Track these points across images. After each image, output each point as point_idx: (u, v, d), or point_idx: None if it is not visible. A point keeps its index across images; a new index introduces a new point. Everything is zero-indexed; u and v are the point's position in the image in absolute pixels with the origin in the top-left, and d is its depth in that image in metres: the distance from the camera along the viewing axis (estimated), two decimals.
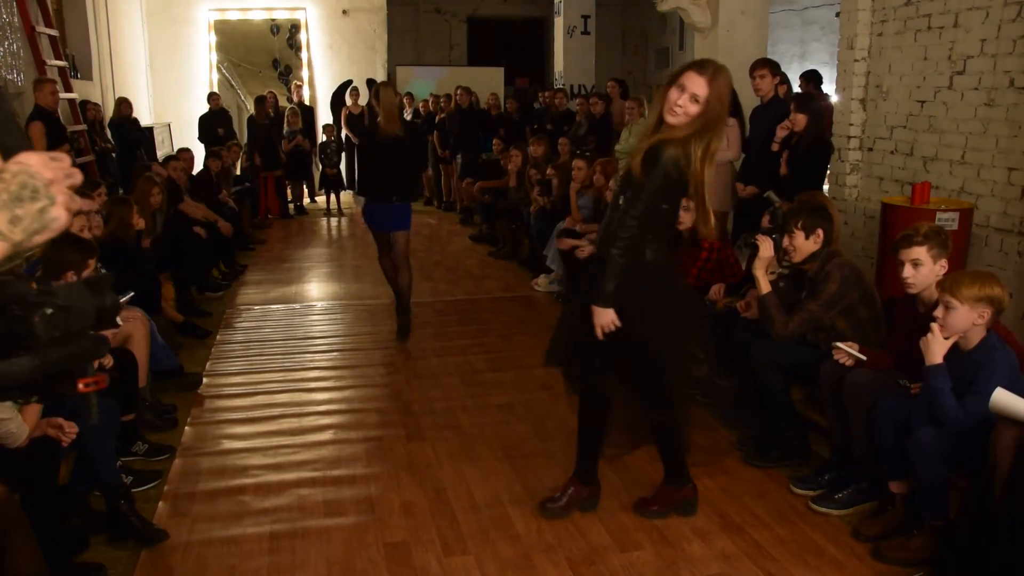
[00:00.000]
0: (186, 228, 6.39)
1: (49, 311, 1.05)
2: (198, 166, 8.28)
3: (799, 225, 3.38)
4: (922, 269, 2.98)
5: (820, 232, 3.39)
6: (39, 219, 0.92)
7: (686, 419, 3.07)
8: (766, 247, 3.44)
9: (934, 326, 2.72)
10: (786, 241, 3.42)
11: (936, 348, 2.70)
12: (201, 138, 9.85)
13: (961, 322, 2.68)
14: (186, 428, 3.96)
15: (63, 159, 0.95)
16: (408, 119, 5.43)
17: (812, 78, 7.93)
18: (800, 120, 4.83)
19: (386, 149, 5.14)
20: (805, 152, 4.85)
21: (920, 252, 2.97)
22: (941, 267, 2.97)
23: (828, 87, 8.05)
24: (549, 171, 7.13)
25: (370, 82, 8.49)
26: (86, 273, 3.39)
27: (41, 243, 0.95)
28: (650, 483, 3.37)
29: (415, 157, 5.61)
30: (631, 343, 2.80)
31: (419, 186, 5.35)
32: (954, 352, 2.74)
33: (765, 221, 4.04)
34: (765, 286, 3.43)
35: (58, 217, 0.93)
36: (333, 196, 10.69)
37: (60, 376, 1.13)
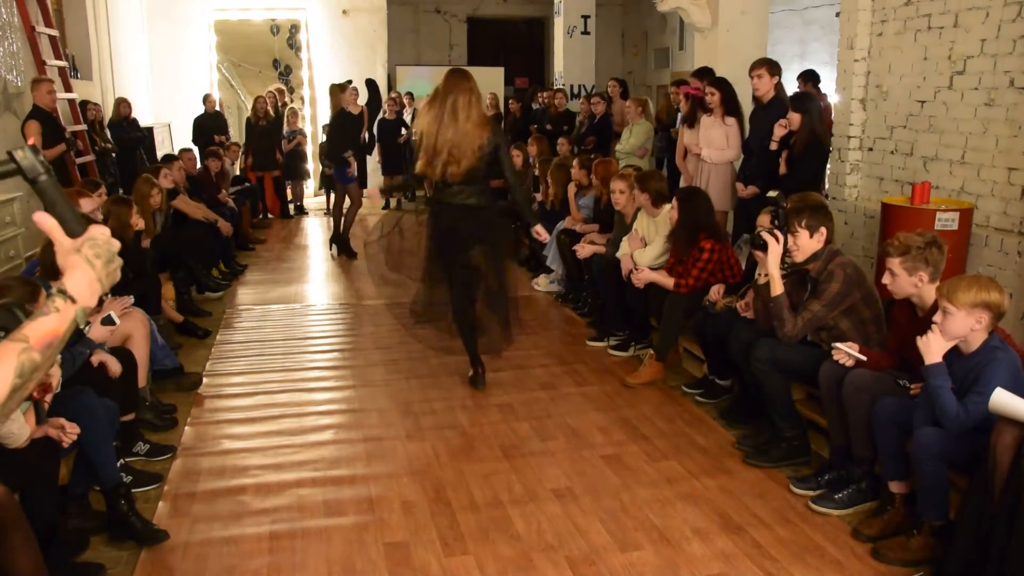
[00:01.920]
0: (186, 226, 6.40)
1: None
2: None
3: (803, 224, 3.38)
4: (897, 280, 3.00)
5: (823, 230, 3.39)
6: (114, 276, 1.32)
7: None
8: (777, 244, 3.42)
9: (934, 326, 2.72)
10: (790, 240, 3.41)
11: (935, 347, 2.70)
12: (196, 140, 9.84)
13: (958, 328, 2.68)
14: (186, 428, 3.96)
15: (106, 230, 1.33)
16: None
17: (810, 78, 7.94)
18: (795, 119, 4.83)
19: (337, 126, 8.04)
20: (801, 152, 4.86)
21: (893, 263, 2.99)
22: (920, 280, 2.96)
23: (828, 87, 8.05)
24: (540, 171, 7.16)
25: (369, 82, 8.52)
26: None
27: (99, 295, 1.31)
28: (649, 482, 3.37)
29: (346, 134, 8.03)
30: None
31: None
32: (956, 355, 2.74)
33: (764, 220, 4.03)
34: (779, 286, 3.42)
35: (119, 275, 1.34)
36: (333, 196, 10.68)
37: None
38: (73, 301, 1.26)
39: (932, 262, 2.95)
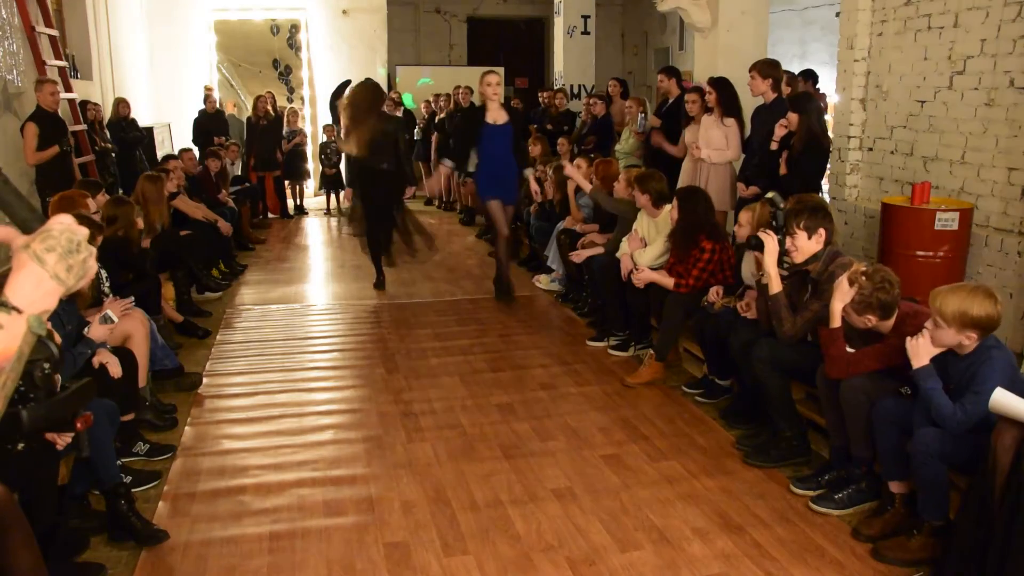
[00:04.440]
0: (185, 227, 6.41)
1: (47, 366, 1.24)
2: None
3: (801, 225, 3.38)
4: (849, 315, 3.03)
5: (822, 232, 3.39)
6: (83, 267, 1.14)
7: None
8: (772, 242, 3.42)
9: (924, 331, 2.73)
10: (788, 242, 3.41)
11: (923, 352, 2.72)
12: (195, 140, 9.83)
13: (948, 339, 2.69)
14: (186, 428, 3.96)
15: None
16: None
17: (808, 77, 7.93)
18: (793, 120, 4.83)
19: None
20: (800, 152, 4.85)
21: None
22: (868, 320, 3.01)
23: (828, 87, 8.05)
24: (539, 171, 7.14)
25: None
26: None
27: (80, 287, 1.16)
28: (649, 482, 3.37)
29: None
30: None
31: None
32: (952, 355, 2.74)
33: (744, 218, 4.04)
34: (777, 285, 3.42)
35: (93, 266, 1.16)
36: (333, 196, 10.69)
37: (64, 420, 1.27)
38: (18, 311, 1.08)
39: (880, 305, 2.97)
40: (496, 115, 5.86)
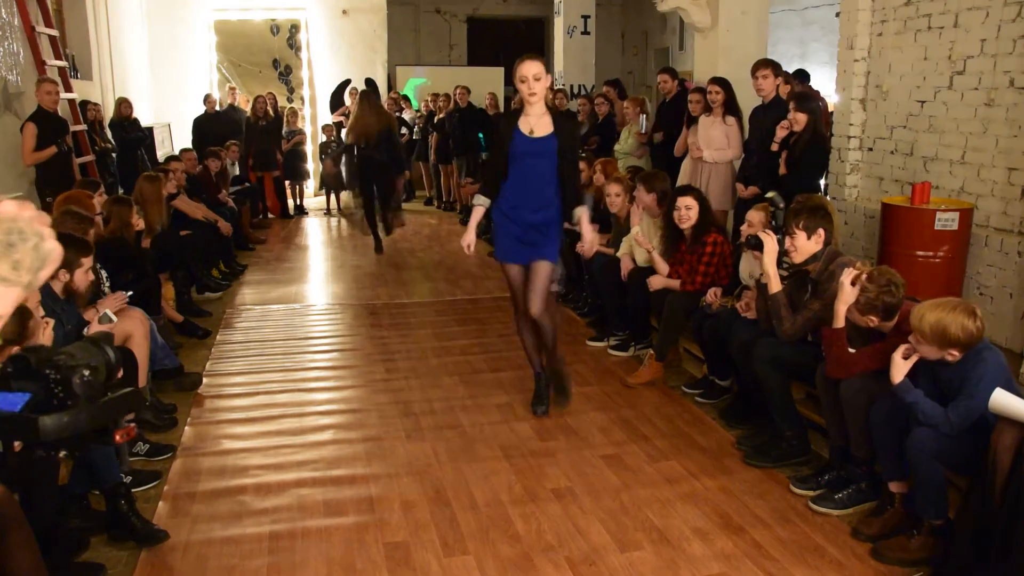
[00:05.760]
0: (184, 227, 6.41)
1: (86, 372, 1.18)
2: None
3: (800, 225, 3.38)
4: (851, 313, 3.03)
5: (821, 232, 3.39)
6: (36, 256, 0.97)
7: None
8: (772, 242, 3.42)
9: (901, 347, 2.75)
10: (787, 242, 3.41)
11: (895, 370, 2.74)
12: (195, 142, 9.80)
13: (931, 355, 2.69)
14: (186, 428, 3.96)
15: (28, 203, 1.00)
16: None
17: (803, 78, 7.94)
18: (800, 119, 4.82)
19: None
20: (802, 152, 4.85)
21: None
22: (870, 321, 3.02)
23: (827, 87, 8.04)
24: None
25: (368, 81, 8.50)
26: (79, 271, 3.38)
27: (47, 277, 1.01)
28: (649, 482, 3.37)
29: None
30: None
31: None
32: (942, 360, 2.74)
33: (755, 218, 4.04)
34: (776, 284, 3.43)
35: (53, 248, 0.99)
36: (333, 196, 10.69)
37: (102, 430, 1.25)
38: None
39: (885, 308, 2.97)
40: (535, 123, 3.80)
